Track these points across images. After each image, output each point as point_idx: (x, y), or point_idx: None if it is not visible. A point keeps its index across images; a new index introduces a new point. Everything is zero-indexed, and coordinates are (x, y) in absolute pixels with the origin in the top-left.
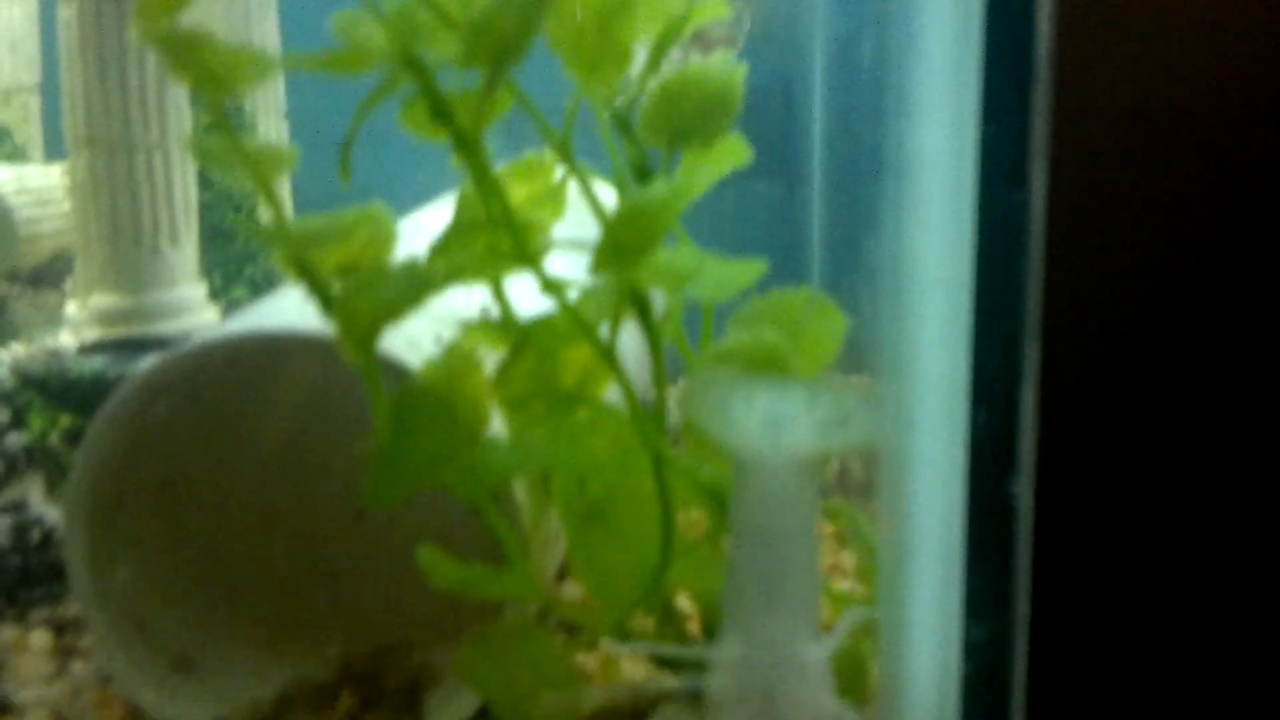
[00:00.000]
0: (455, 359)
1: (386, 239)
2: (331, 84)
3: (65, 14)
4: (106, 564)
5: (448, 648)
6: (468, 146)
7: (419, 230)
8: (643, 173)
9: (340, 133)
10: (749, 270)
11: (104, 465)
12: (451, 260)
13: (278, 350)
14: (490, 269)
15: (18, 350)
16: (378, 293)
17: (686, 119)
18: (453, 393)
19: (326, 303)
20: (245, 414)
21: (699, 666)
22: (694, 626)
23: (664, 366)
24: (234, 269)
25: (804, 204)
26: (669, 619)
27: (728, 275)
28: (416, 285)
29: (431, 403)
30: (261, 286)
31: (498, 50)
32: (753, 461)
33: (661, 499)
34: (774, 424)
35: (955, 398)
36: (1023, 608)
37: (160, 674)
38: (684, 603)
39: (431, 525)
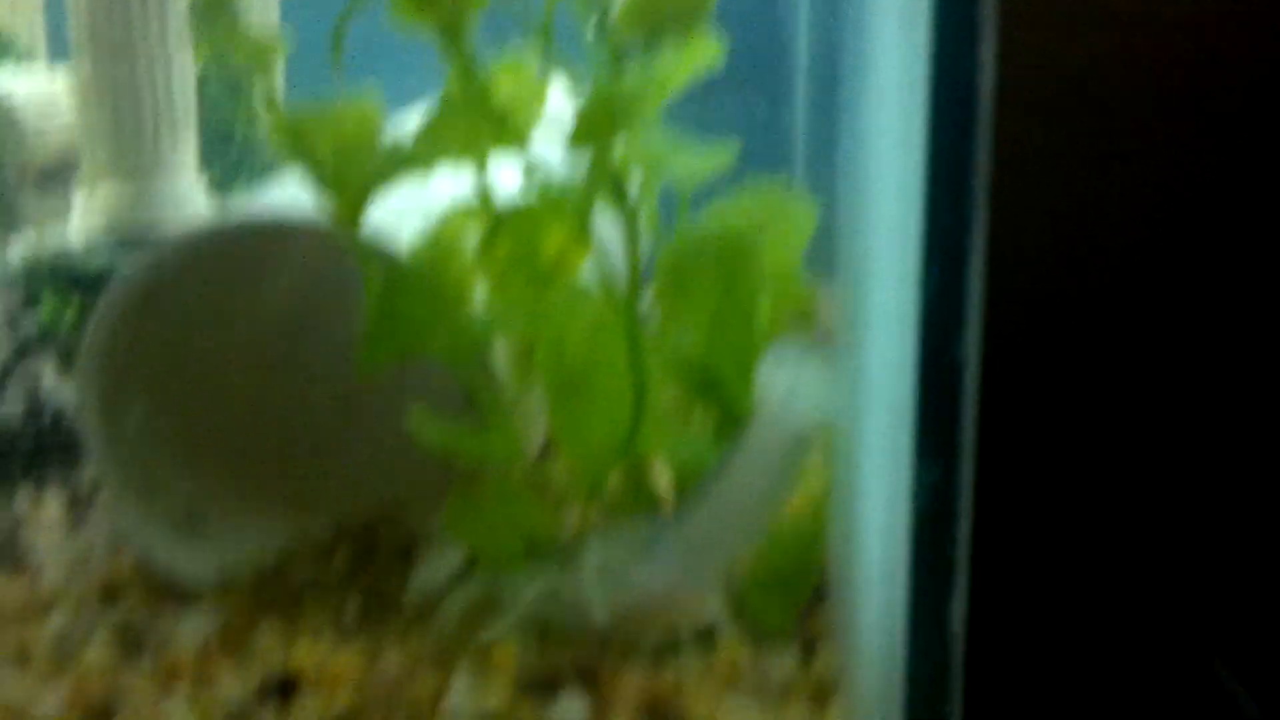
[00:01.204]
0: (440, 239)
1: (374, 124)
2: None
3: None
4: (118, 427)
5: (438, 515)
6: (452, 33)
7: (406, 125)
8: (619, 68)
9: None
10: (721, 155)
11: (114, 334)
12: (437, 140)
13: (275, 233)
14: (472, 149)
15: (30, 240)
16: (366, 166)
17: (662, 17)
18: (438, 270)
19: (321, 180)
20: (246, 293)
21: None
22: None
23: (637, 248)
24: (232, 165)
25: (790, 116)
26: (640, 484)
27: (700, 159)
28: (402, 159)
29: (417, 278)
30: (258, 182)
31: None
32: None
33: (633, 370)
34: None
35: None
36: (969, 451)
37: (167, 531)
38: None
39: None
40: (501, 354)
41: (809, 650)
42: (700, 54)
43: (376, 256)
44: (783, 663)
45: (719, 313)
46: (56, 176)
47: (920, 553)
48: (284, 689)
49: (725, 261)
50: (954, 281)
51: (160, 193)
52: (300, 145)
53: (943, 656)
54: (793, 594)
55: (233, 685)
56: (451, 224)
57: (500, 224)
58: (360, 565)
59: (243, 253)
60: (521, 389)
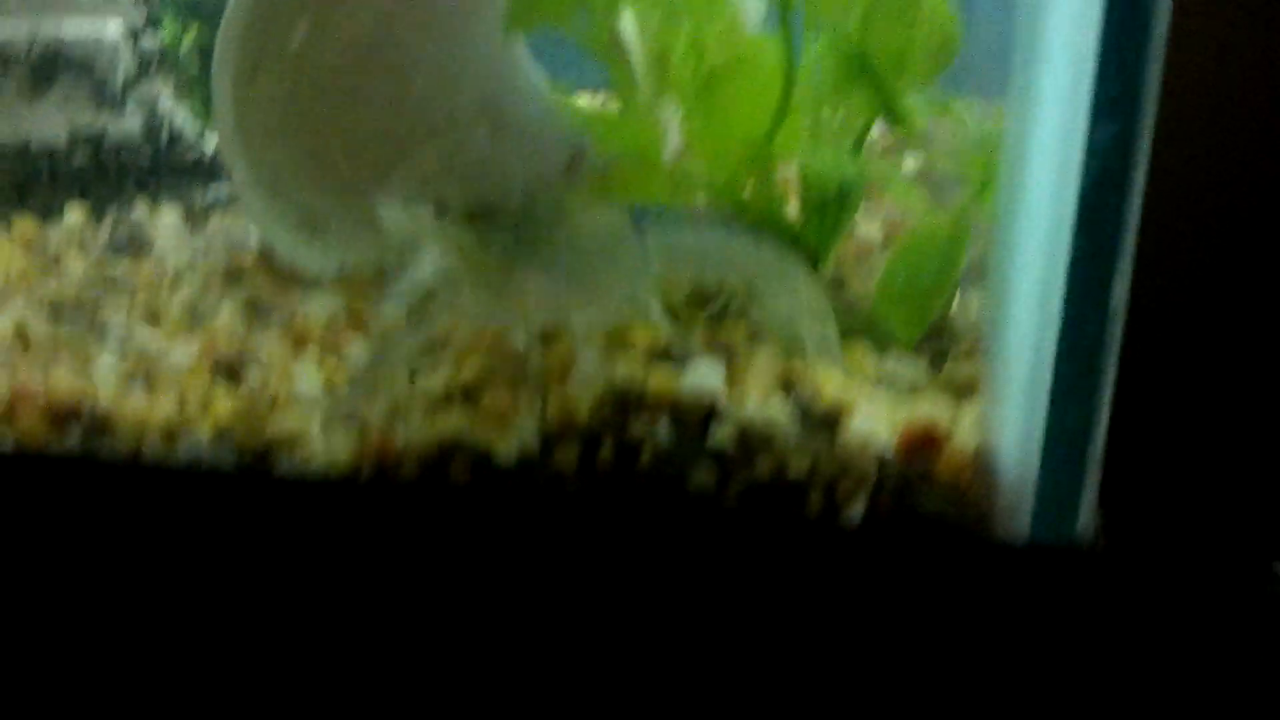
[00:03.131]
0: None
1: None
2: None
3: None
4: (247, 128)
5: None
6: None
7: None
8: None
9: None
10: None
11: (242, 39)
12: None
13: None
14: None
15: None
16: None
17: None
18: None
19: None
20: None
21: (796, 239)
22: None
23: None
24: None
25: None
26: (769, 187)
27: None
28: None
29: None
30: None
31: None
32: None
33: (784, 68)
34: None
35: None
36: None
37: (291, 228)
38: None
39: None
40: (638, 56)
41: (937, 362)
42: None
43: None
44: (911, 366)
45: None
46: None
47: (1087, 222)
48: None
49: None
50: None
51: None
52: None
53: (1099, 337)
54: (922, 307)
55: (360, 353)
56: None
57: None
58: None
59: None
60: (654, 93)
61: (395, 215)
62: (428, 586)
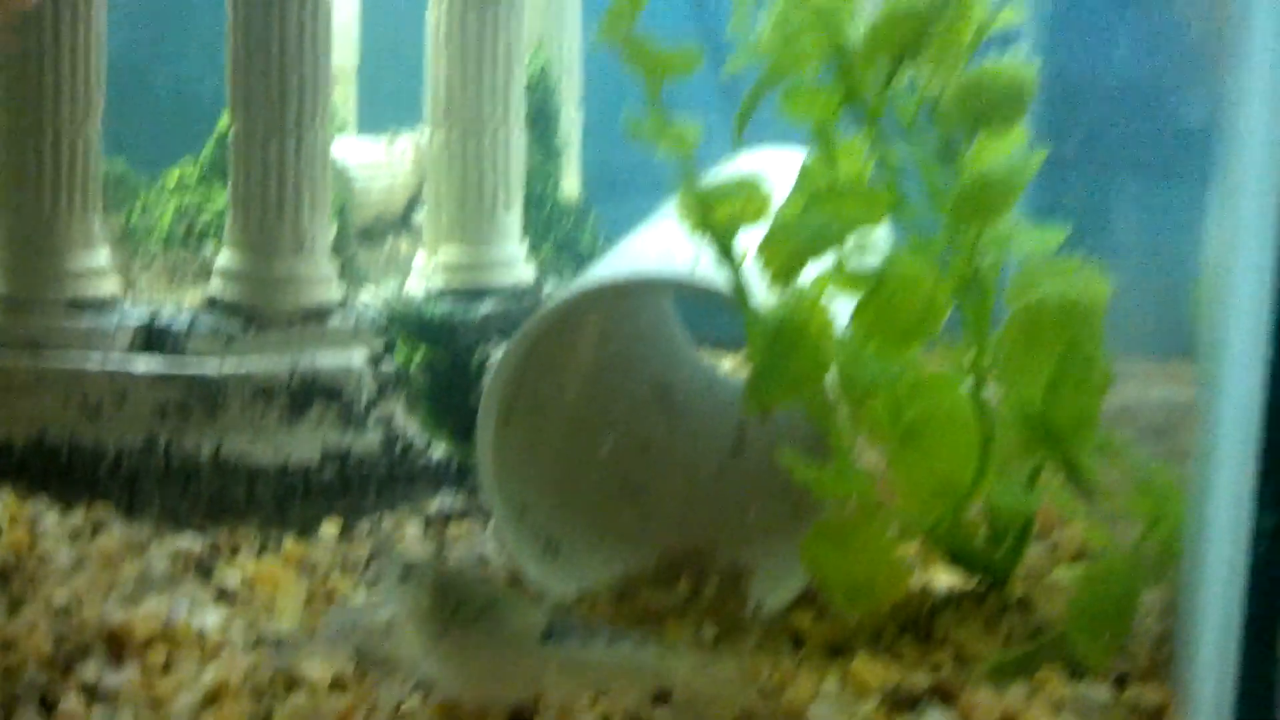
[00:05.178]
0: (810, 296)
1: (764, 200)
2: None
3: (433, 15)
4: (502, 461)
5: (744, 550)
6: (824, 126)
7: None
8: (948, 153)
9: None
10: (1055, 235)
11: (505, 381)
12: (837, 214)
13: (637, 290)
14: (858, 223)
15: (376, 293)
16: (797, 236)
17: (986, 105)
18: (806, 326)
19: (725, 249)
20: (611, 345)
21: (987, 566)
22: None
23: (988, 314)
24: (540, 233)
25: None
26: (963, 523)
27: (1041, 238)
28: (824, 233)
29: (796, 333)
30: (563, 247)
31: (899, 46)
32: None
33: (982, 422)
34: None
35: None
36: None
37: (536, 553)
38: None
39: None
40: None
41: (1121, 683)
42: (1016, 141)
43: (759, 314)
44: (1099, 691)
45: (1059, 371)
46: (376, 235)
47: (1255, 592)
48: (658, 697)
49: (1067, 326)
50: None
51: (492, 255)
52: (708, 218)
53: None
54: (1113, 633)
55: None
56: (818, 283)
57: (876, 288)
58: (696, 590)
59: (608, 310)
60: (852, 437)
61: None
62: None
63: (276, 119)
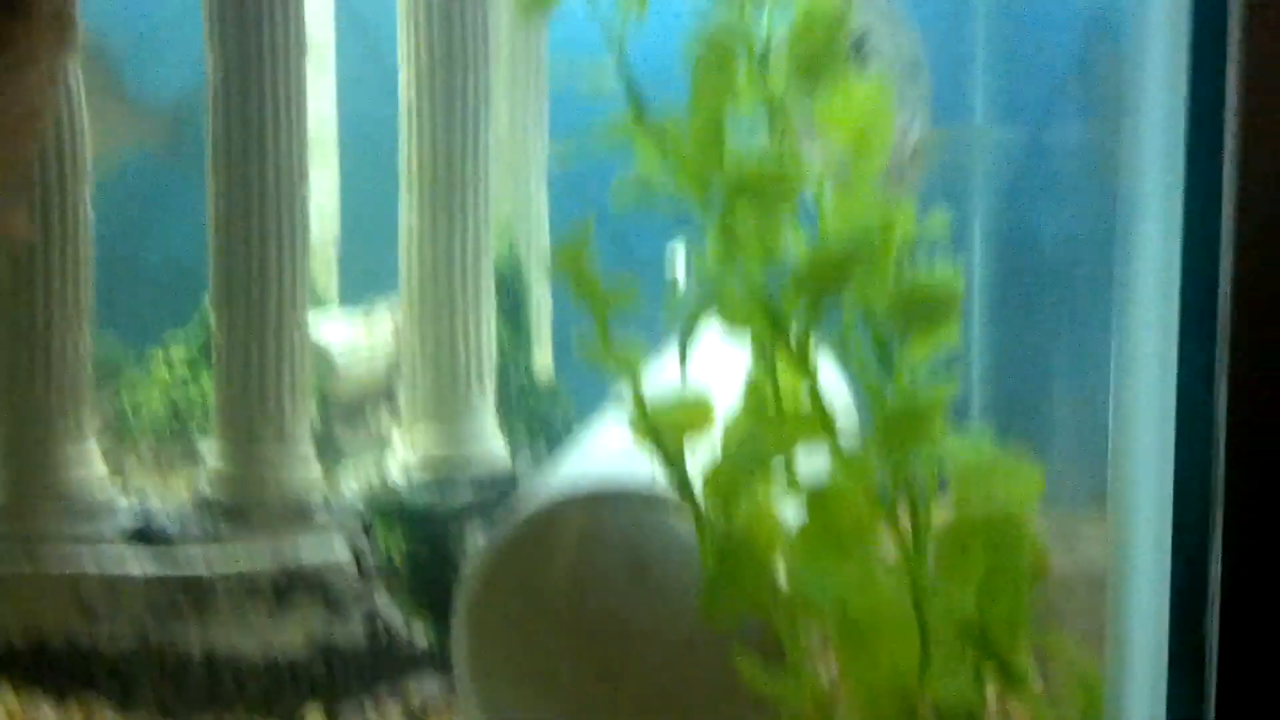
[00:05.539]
0: (760, 511)
1: (707, 415)
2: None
3: (405, 222)
4: (475, 656)
5: None
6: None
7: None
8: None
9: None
10: (986, 444)
11: (476, 594)
12: (778, 438)
13: (612, 501)
14: (795, 440)
15: (352, 471)
16: (741, 461)
17: (917, 314)
18: (756, 538)
19: (679, 472)
20: (587, 555)
21: None
22: None
23: (929, 523)
24: (514, 410)
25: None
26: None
27: (973, 449)
28: (769, 455)
29: (744, 545)
30: (533, 428)
31: (820, 290)
32: None
33: (921, 625)
34: None
35: None
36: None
37: None
38: None
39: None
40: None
41: None
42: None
43: (709, 524)
44: None
45: (988, 580)
46: (357, 410)
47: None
48: None
49: (993, 537)
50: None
51: (467, 432)
52: (659, 437)
53: None
54: None
55: None
56: (764, 495)
57: (815, 503)
58: None
59: (581, 520)
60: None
61: None
62: None
63: (257, 315)
